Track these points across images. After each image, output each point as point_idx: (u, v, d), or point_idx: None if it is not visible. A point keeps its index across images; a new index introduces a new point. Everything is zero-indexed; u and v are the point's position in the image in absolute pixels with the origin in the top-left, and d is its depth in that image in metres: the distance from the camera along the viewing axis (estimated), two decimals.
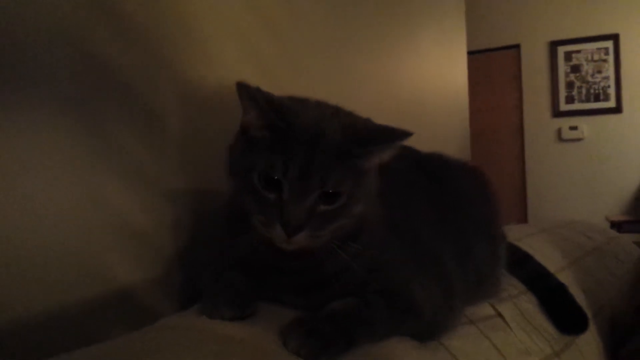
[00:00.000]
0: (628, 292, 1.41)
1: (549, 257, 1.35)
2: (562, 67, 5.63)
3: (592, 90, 5.53)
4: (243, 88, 0.73)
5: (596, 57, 5.51)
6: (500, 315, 1.02)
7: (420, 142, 1.11)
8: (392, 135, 0.73)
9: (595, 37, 5.48)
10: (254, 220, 0.73)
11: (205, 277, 0.83)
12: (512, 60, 5.85)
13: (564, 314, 1.13)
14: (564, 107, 5.63)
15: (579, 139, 5.54)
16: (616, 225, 4.81)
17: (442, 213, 0.97)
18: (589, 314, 1.25)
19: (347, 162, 0.71)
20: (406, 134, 0.73)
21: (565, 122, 5.61)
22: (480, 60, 5.64)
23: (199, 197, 0.97)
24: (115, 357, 0.60)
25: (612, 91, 5.45)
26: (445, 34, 2.35)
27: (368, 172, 0.75)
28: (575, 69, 5.59)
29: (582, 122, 5.53)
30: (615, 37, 5.38)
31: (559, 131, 5.62)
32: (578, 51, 5.57)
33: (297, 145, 0.70)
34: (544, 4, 5.62)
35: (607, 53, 5.47)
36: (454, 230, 0.97)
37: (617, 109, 5.41)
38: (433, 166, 1.06)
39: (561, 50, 5.63)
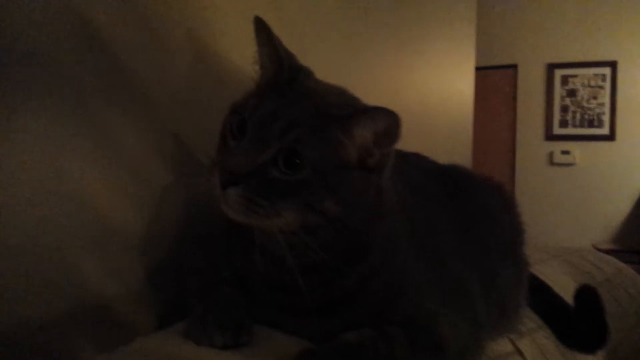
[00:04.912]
0: None
1: (563, 288, 1.24)
2: (558, 90, 5.57)
3: (586, 116, 5.48)
4: (260, 22, 0.68)
5: (593, 82, 5.46)
6: (520, 352, 0.91)
7: (422, 152, 1.02)
8: (375, 109, 0.62)
9: (593, 63, 5.43)
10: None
11: (192, 290, 0.71)
12: (509, 80, 5.78)
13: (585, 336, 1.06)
14: (557, 130, 5.57)
15: (570, 164, 5.48)
16: None
17: (466, 232, 0.86)
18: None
19: (322, 127, 0.60)
20: (391, 113, 0.61)
21: (557, 146, 5.54)
22: (477, 77, 5.57)
23: (193, 198, 0.84)
24: None
25: (606, 118, 5.40)
26: (455, 46, 2.28)
27: (356, 165, 0.63)
28: (571, 93, 5.53)
29: (575, 147, 5.47)
30: (613, 64, 5.34)
31: (551, 155, 5.55)
32: (575, 75, 5.52)
33: (280, 96, 0.63)
34: (544, 26, 5.57)
35: (604, 80, 5.41)
36: (479, 253, 0.86)
37: (611, 137, 5.36)
38: (454, 179, 0.95)
39: (558, 73, 5.57)
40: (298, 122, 0.59)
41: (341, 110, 0.61)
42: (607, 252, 4.77)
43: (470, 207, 0.91)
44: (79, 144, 0.69)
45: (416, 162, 0.93)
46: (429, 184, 0.88)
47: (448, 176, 0.95)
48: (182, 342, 0.60)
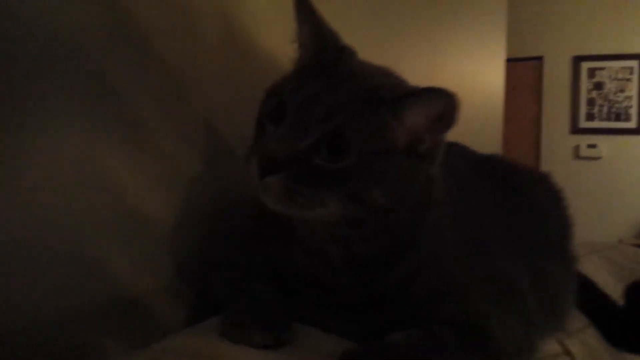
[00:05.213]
0: None
1: (604, 285, 1.18)
2: (585, 83, 5.44)
3: (613, 109, 5.34)
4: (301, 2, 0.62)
5: (620, 75, 5.32)
6: (568, 352, 0.86)
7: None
8: (429, 90, 0.56)
9: (620, 56, 5.28)
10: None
11: (226, 286, 0.66)
12: (534, 72, 5.65)
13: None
14: (583, 124, 5.44)
15: (597, 158, 5.35)
16: None
17: (512, 225, 0.81)
18: None
19: (370, 111, 0.55)
20: (448, 95, 0.55)
21: (583, 140, 5.42)
22: None
23: (224, 187, 0.80)
24: None
25: (634, 111, 5.25)
26: (486, 36, 2.22)
27: (405, 152, 0.58)
28: (598, 86, 5.39)
29: (601, 141, 5.34)
30: None
31: (577, 148, 5.43)
32: (602, 68, 5.38)
33: (322, 77, 0.57)
34: (571, 17, 5.43)
35: (631, 73, 5.27)
36: (526, 247, 0.80)
37: (638, 130, 5.22)
38: (499, 170, 0.90)
39: (585, 66, 5.44)
40: (343, 105, 0.54)
41: (391, 93, 0.56)
42: (634, 247, 4.68)
43: (516, 199, 0.85)
44: (107, 132, 0.64)
45: (459, 152, 0.88)
46: (473, 174, 0.83)
47: (492, 166, 0.90)
48: (218, 341, 0.56)
